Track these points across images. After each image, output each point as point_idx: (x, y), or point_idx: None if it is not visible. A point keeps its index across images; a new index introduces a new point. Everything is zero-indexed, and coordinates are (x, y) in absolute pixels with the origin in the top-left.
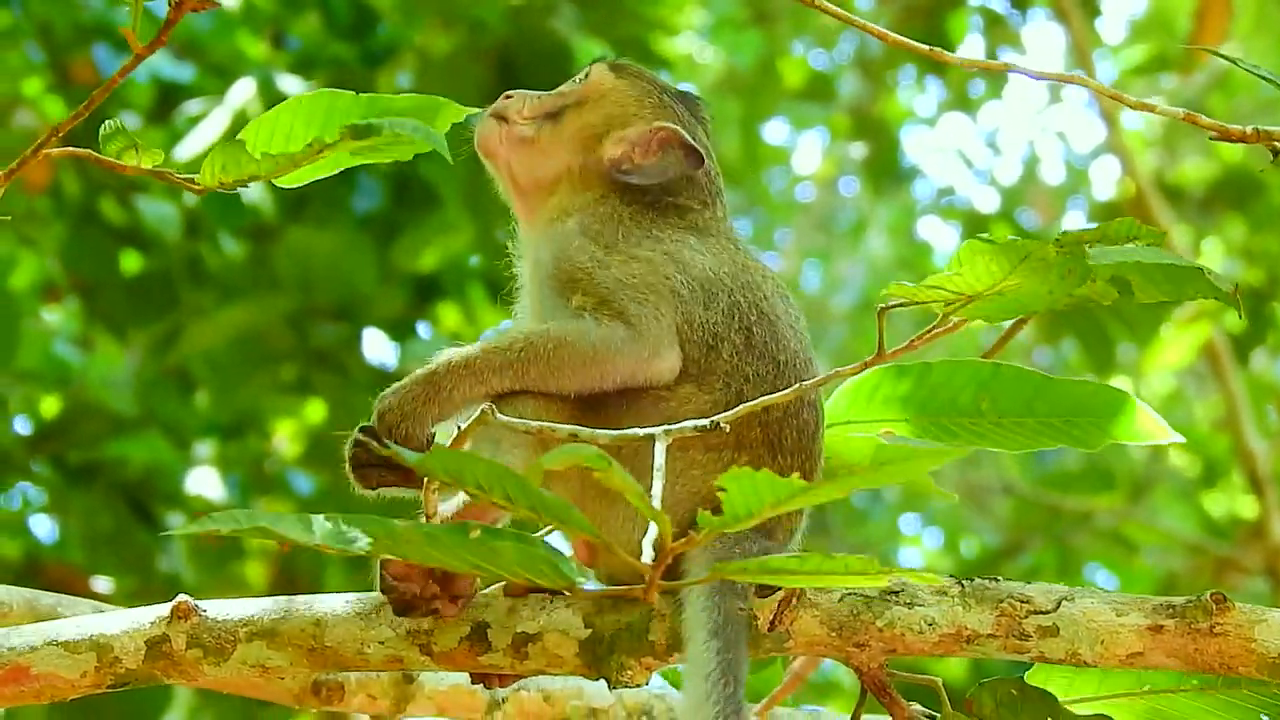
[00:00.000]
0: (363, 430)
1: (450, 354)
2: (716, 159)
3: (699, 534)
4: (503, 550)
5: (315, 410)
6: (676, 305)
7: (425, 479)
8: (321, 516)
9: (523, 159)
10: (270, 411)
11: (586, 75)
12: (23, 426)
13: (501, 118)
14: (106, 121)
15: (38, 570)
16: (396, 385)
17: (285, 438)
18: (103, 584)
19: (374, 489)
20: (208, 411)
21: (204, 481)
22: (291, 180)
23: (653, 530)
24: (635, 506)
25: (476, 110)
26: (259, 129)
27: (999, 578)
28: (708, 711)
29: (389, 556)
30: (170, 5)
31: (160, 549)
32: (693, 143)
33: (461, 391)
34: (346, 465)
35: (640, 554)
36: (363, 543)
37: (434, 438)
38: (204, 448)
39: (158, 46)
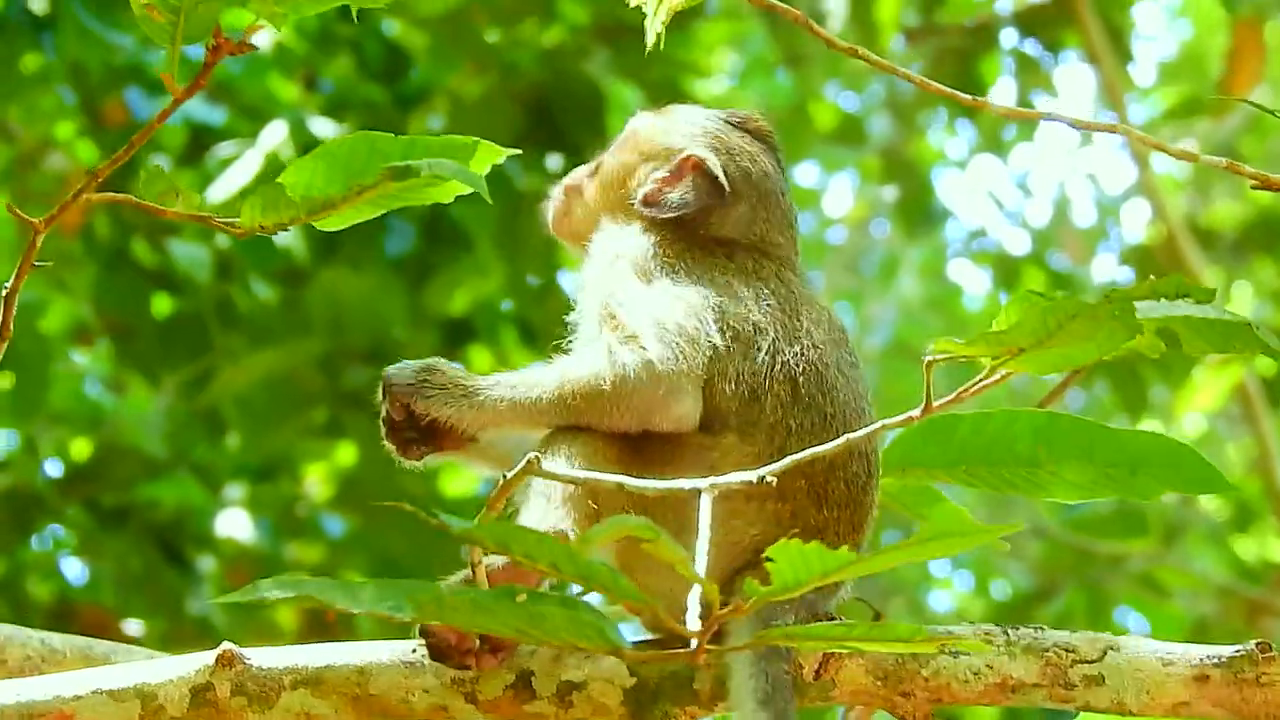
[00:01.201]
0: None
1: (497, 376)
2: (788, 190)
3: (746, 602)
4: (550, 616)
5: (346, 453)
6: (709, 354)
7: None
8: (368, 584)
9: (575, 211)
10: (301, 454)
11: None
12: (54, 469)
13: (561, 190)
14: (146, 164)
15: (69, 613)
16: (439, 366)
17: (316, 480)
18: (134, 626)
19: (412, 457)
20: (239, 454)
21: (235, 524)
22: (332, 224)
23: (698, 592)
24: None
25: (516, 150)
26: (298, 171)
27: (1043, 627)
28: None
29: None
30: (207, 49)
31: (191, 591)
32: (715, 170)
33: (493, 403)
34: (382, 430)
35: (682, 610)
36: (407, 611)
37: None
38: (235, 490)
39: (195, 90)
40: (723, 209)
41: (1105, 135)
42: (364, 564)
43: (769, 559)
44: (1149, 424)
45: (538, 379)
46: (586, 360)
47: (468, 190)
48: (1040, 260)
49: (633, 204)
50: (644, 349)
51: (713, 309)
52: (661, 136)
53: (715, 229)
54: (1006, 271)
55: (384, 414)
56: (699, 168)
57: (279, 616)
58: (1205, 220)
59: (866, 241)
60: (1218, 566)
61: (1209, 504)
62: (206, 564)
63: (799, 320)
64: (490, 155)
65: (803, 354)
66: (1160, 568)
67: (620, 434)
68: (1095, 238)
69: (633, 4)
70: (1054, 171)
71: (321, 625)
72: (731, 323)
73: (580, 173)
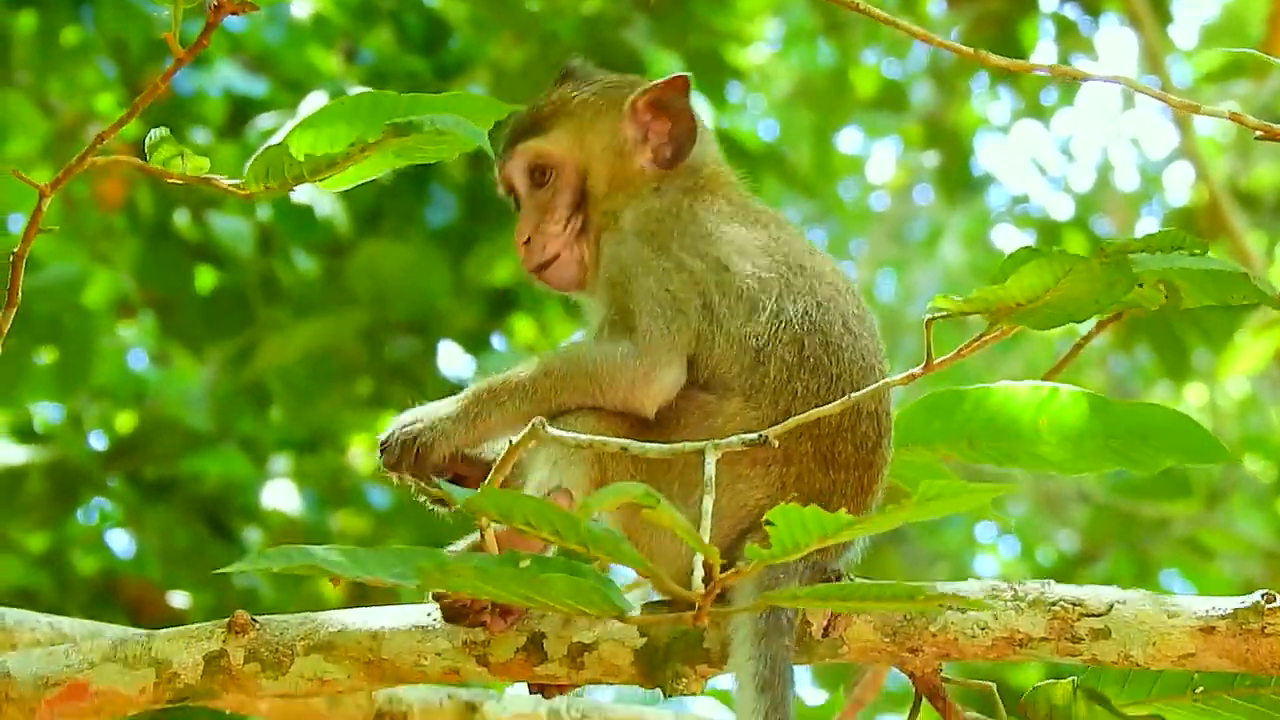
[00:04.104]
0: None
1: (486, 380)
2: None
3: (747, 565)
4: (553, 582)
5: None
6: (705, 319)
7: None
8: (372, 551)
9: (584, 251)
10: (345, 426)
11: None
12: (99, 443)
13: (560, 243)
14: (152, 132)
15: (114, 586)
16: (408, 417)
17: (360, 451)
18: (179, 599)
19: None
20: (283, 426)
21: (280, 496)
22: (337, 183)
23: (701, 558)
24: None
25: (520, 108)
26: (304, 132)
27: (1050, 581)
28: None
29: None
30: (210, 9)
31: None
32: (668, 93)
33: (488, 415)
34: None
35: (689, 571)
36: (412, 579)
37: (460, 456)
38: (280, 462)
39: (197, 50)
40: (700, 135)
41: (1147, 99)
42: (410, 535)
43: (769, 523)
44: (1192, 389)
45: (518, 381)
46: (573, 351)
47: (470, 146)
48: (1083, 225)
49: (631, 170)
50: (631, 329)
51: (719, 269)
52: (595, 113)
53: (694, 161)
54: (1049, 237)
55: (424, 486)
56: (656, 102)
57: (324, 588)
58: (1247, 184)
59: (909, 208)
60: (1263, 530)
61: (1254, 467)
62: (252, 536)
63: (802, 274)
64: (497, 112)
65: (807, 312)
66: (1205, 531)
67: None
68: (1138, 202)
69: None
70: (1096, 136)
71: (365, 596)
72: (735, 282)
73: (551, 224)
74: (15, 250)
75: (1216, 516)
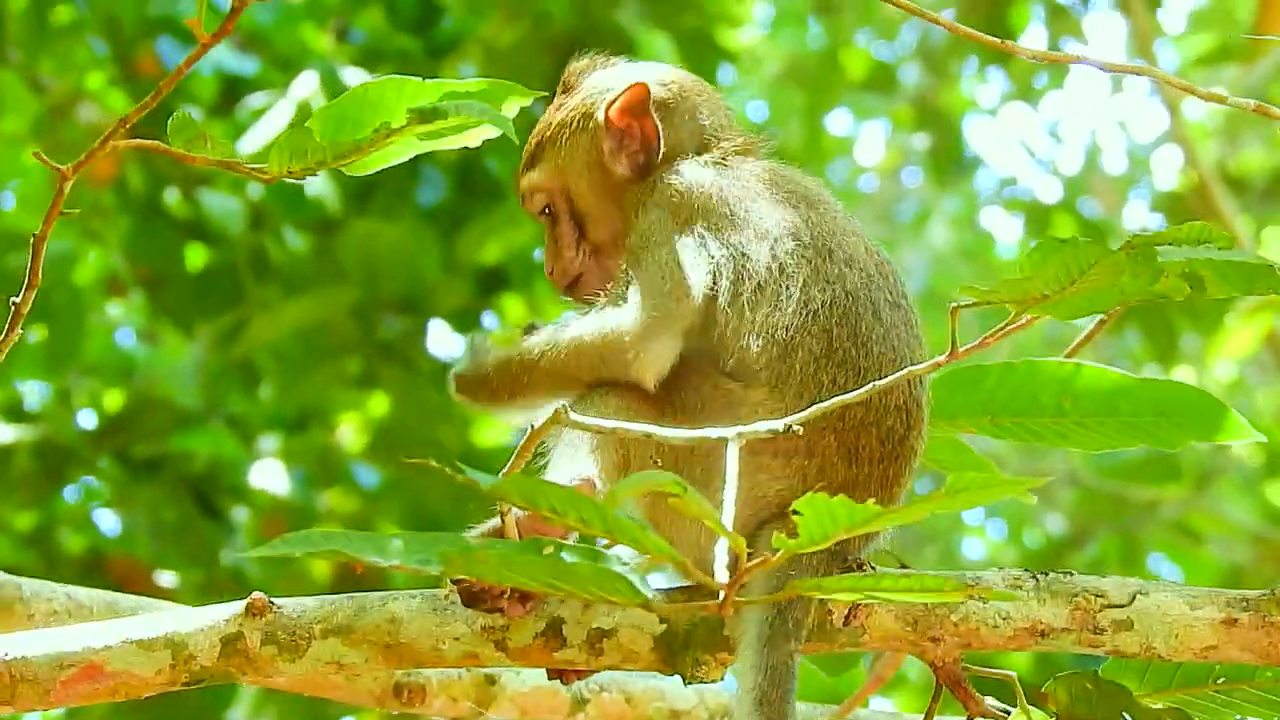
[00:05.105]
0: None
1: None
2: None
3: (773, 555)
4: (577, 570)
5: (380, 403)
6: (727, 307)
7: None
8: (397, 537)
9: (607, 263)
10: (335, 404)
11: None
12: (87, 420)
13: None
14: (175, 113)
15: (102, 564)
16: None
17: (350, 430)
18: (167, 578)
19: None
20: (272, 405)
21: (269, 475)
22: (360, 168)
23: (724, 544)
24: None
25: (544, 94)
26: (326, 117)
27: (1073, 571)
28: None
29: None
30: None
31: (225, 543)
32: (617, 101)
33: (526, 376)
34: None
35: (707, 558)
36: (435, 564)
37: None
38: (269, 441)
39: (223, 37)
40: (665, 114)
41: (1137, 83)
42: (399, 513)
43: (796, 512)
44: (1180, 371)
45: (540, 347)
46: (582, 323)
47: (494, 132)
48: (1071, 208)
49: (628, 177)
50: (631, 303)
51: (738, 256)
52: (571, 133)
53: (680, 139)
54: (1038, 219)
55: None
56: (625, 109)
57: (312, 567)
58: (1236, 167)
59: (898, 190)
60: (1250, 513)
61: (1241, 450)
62: (241, 515)
63: (830, 260)
64: (518, 98)
65: (835, 302)
66: (1193, 514)
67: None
68: (1126, 185)
69: None
70: (1085, 119)
71: (353, 576)
72: (756, 269)
73: (565, 249)
74: (36, 233)
75: (1205, 500)
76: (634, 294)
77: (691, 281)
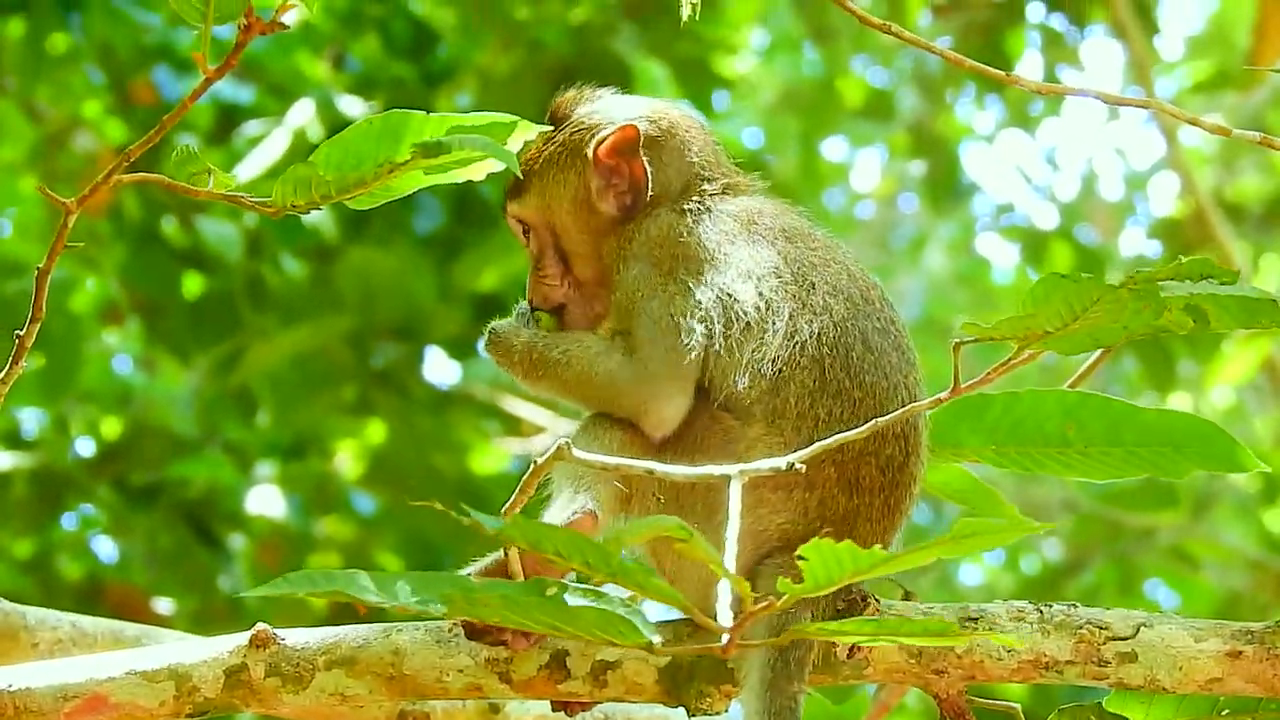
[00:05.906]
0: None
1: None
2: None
3: (778, 599)
4: (580, 613)
5: (376, 430)
6: (719, 348)
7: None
8: (400, 577)
9: (591, 293)
10: (331, 431)
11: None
12: (85, 448)
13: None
14: (177, 147)
15: (100, 591)
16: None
17: (346, 457)
18: (164, 605)
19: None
20: (269, 432)
21: (266, 502)
22: (364, 202)
23: (728, 587)
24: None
25: (545, 127)
26: (330, 150)
27: (1076, 604)
28: None
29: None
30: (239, 29)
31: (222, 570)
32: (608, 136)
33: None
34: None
35: (710, 594)
36: (439, 606)
37: None
38: (265, 468)
39: (226, 70)
40: (654, 154)
41: (1133, 110)
42: (396, 541)
43: (801, 558)
44: (1177, 398)
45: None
46: (582, 352)
47: (499, 167)
48: (1068, 234)
49: (615, 217)
50: (635, 350)
51: (724, 298)
52: (558, 168)
53: (668, 179)
54: (1034, 246)
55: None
56: (615, 148)
57: (308, 598)
58: (1233, 194)
59: (894, 216)
60: (1247, 539)
61: (1238, 477)
62: (238, 542)
63: (814, 292)
64: (522, 132)
65: (823, 333)
66: (1190, 541)
67: None
68: (1123, 212)
69: None
70: (1082, 146)
71: (351, 606)
72: (742, 310)
73: (546, 277)
74: (40, 267)
75: (1202, 526)
76: (636, 344)
77: (685, 339)
